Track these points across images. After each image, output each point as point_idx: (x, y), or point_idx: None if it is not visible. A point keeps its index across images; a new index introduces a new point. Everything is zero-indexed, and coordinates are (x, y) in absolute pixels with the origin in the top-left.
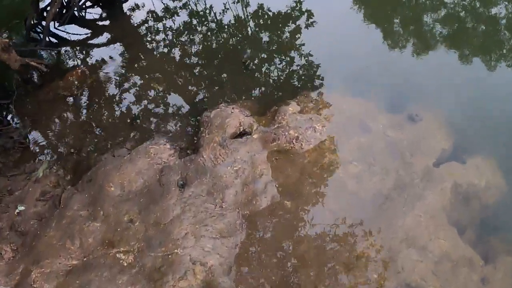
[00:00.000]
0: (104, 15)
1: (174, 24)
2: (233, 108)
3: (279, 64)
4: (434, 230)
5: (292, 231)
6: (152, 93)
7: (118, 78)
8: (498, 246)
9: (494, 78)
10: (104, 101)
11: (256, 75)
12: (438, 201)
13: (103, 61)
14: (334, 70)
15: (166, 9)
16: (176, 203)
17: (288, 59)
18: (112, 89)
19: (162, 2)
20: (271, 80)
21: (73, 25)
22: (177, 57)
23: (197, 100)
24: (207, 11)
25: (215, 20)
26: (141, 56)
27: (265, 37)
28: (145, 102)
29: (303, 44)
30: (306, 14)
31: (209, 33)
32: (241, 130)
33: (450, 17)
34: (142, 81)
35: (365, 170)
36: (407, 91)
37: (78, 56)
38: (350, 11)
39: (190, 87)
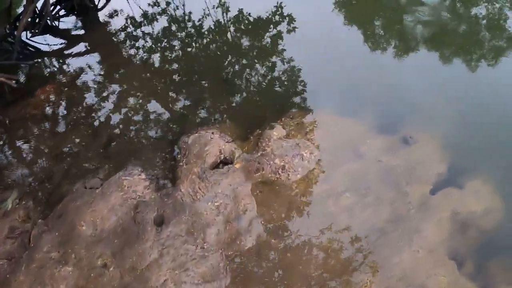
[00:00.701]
0: (79, 24)
1: (153, 32)
2: (212, 133)
3: (262, 81)
4: (432, 266)
5: (281, 273)
6: (127, 113)
7: (92, 94)
8: (497, 275)
9: (493, 94)
10: (77, 121)
11: (238, 92)
12: (436, 234)
13: (77, 75)
14: (322, 87)
15: (145, 15)
16: (153, 245)
17: (272, 74)
18: (86, 107)
19: (140, 8)
20: (254, 98)
21: (47, 35)
22: (155, 72)
23: (175, 121)
24: (186, 18)
25: (195, 28)
26: (117, 69)
27: (247, 49)
28: (120, 122)
29: (288, 56)
30: (288, 22)
31: (188, 44)
32: (222, 158)
33: (446, 26)
34: (117, 99)
35: (357, 201)
36: (400, 108)
37: (52, 70)
38: (337, 21)
39: (168, 106)
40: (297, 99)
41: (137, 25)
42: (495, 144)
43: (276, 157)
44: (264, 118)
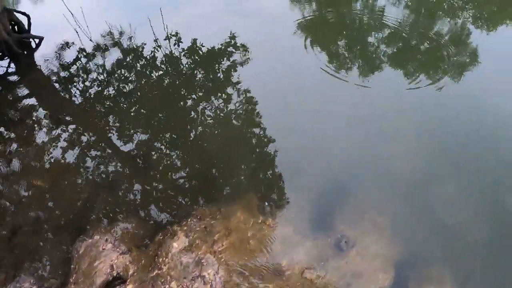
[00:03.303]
0: (11, 69)
1: (81, 85)
2: (106, 240)
3: (175, 164)
4: None
5: None
6: (36, 196)
7: (3, 165)
8: None
9: (446, 170)
10: None
11: (152, 177)
12: None
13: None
14: (238, 171)
15: (66, 68)
16: None
17: (180, 161)
18: None
19: (91, 41)
20: (167, 186)
21: None
22: (68, 147)
23: (81, 213)
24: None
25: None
26: (32, 137)
27: (162, 128)
28: (27, 208)
29: (202, 137)
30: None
31: (110, 111)
32: (115, 275)
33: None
34: (26, 176)
35: None
36: (335, 196)
37: None
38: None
39: (75, 193)
40: (207, 191)
41: (67, 74)
42: (456, 239)
43: (172, 280)
44: (173, 214)
